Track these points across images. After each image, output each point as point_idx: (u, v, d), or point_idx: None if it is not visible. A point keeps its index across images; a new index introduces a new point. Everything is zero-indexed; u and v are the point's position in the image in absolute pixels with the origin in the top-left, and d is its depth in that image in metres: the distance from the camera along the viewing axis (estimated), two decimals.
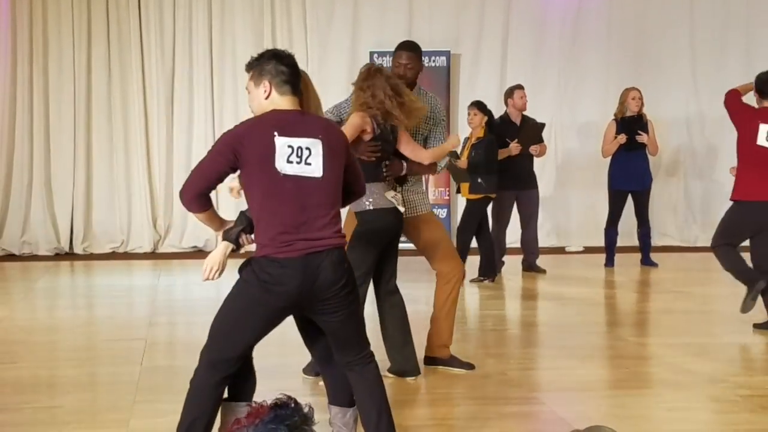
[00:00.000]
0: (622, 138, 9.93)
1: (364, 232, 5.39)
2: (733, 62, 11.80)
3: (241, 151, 3.72)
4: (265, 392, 2.38)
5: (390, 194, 5.40)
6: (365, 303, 5.59)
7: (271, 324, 3.84)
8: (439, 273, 5.86)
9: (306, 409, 2.44)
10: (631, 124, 10.00)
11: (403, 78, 5.71)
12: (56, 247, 11.34)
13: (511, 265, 9.92)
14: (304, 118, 3.84)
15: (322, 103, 4.46)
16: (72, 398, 5.40)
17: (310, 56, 11.40)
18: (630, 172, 10.01)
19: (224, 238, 3.94)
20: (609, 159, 10.15)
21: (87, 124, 11.40)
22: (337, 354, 3.98)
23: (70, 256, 11.26)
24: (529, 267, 9.93)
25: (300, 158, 3.73)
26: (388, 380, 5.65)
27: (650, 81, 11.34)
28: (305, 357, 5.25)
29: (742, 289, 7.15)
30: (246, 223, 3.92)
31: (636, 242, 10.35)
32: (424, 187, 5.98)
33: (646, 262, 10.24)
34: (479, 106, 9.34)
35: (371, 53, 11.26)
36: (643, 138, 9.97)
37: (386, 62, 11.35)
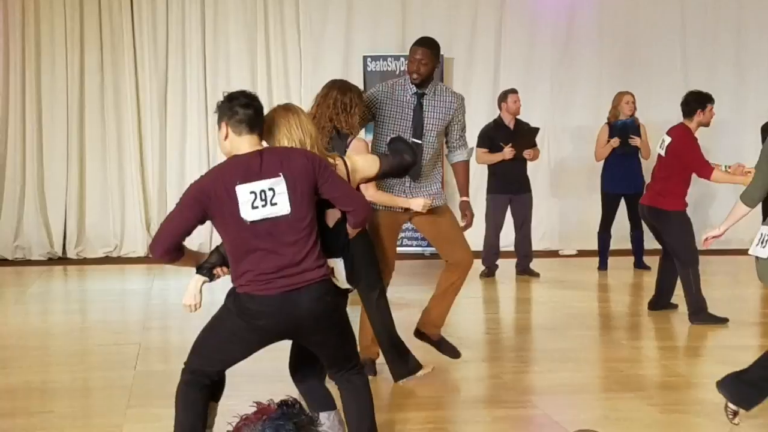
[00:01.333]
0: (615, 142, 9.95)
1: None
2: (723, 66, 11.83)
3: (208, 204, 3.73)
4: (266, 396, 2.40)
5: None
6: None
7: (254, 350, 3.90)
8: (449, 262, 5.87)
9: (311, 413, 2.47)
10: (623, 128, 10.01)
11: (416, 74, 5.72)
12: (49, 252, 11.30)
13: (505, 268, 9.93)
14: (263, 158, 3.78)
15: (312, 116, 4.39)
16: (65, 403, 5.40)
17: (303, 59, 11.40)
18: (623, 175, 10.02)
19: (197, 272, 3.98)
20: (602, 163, 10.16)
21: (80, 129, 11.37)
22: (326, 366, 4.04)
23: (63, 260, 11.23)
24: (523, 270, 9.93)
25: (265, 201, 3.71)
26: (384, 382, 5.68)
27: (642, 85, 11.35)
28: None
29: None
30: (218, 258, 3.95)
31: (629, 245, 10.35)
32: (438, 184, 5.89)
33: (639, 265, 10.24)
34: None
35: (364, 57, 11.26)
36: (635, 141, 9.99)
37: (379, 65, 11.37)
